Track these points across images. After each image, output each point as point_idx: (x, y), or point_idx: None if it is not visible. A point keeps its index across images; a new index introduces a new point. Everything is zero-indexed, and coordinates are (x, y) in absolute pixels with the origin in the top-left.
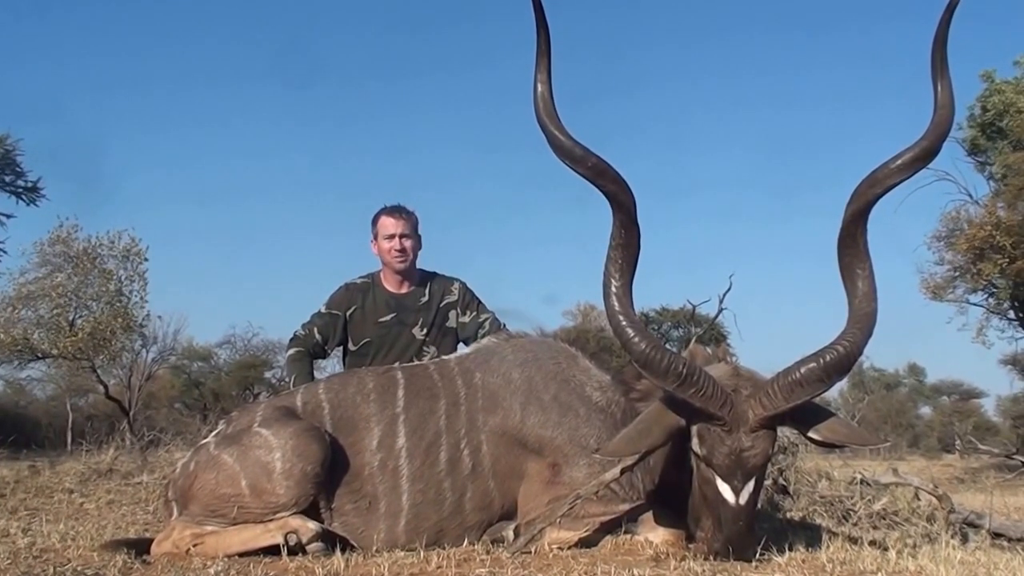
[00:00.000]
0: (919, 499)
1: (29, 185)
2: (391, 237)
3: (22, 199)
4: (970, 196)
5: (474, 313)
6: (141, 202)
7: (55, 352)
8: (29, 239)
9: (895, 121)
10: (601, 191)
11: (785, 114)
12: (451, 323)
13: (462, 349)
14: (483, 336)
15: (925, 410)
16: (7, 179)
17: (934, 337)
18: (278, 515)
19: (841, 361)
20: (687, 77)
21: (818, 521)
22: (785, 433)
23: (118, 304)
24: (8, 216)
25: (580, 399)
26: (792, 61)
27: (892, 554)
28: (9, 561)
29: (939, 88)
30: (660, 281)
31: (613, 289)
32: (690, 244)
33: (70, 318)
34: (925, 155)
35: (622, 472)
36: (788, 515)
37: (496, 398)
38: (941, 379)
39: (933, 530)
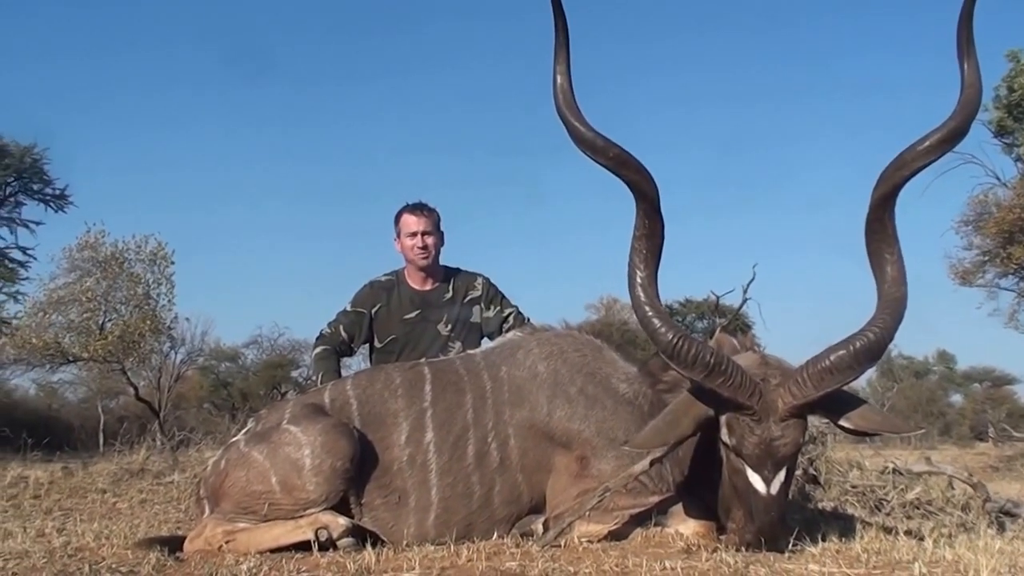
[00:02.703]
0: (953, 488)
1: (57, 192)
2: (413, 235)
3: (51, 206)
4: (998, 179)
5: (498, 307)
6: (163, 204)
7: (86, 355)
8: (58, 245)
9: (916, 108)
10: (624, 181)
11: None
12: (475, 318)
13: (487, 344)
14: (508, 330)
15: (956, 398)
16: (35, 187)
17: (964, 323)
18: (308, 511)
19: (871, 347)
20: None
21: (850, 511)
22: (814, 422)
23: (146, 307)
24: (38, 223)
25: (607, 391)
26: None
27: (928, 544)
28: (45, 560)
29: (966, 67)
30: (682, 273)
31: (638, 280)
32: (712, 235)
33: (100, 322)
34: (953, 136)
35: (651, 464)
36: (820, 505)
37: (522, 392)
38: (972, 366)
39: (969, 519)
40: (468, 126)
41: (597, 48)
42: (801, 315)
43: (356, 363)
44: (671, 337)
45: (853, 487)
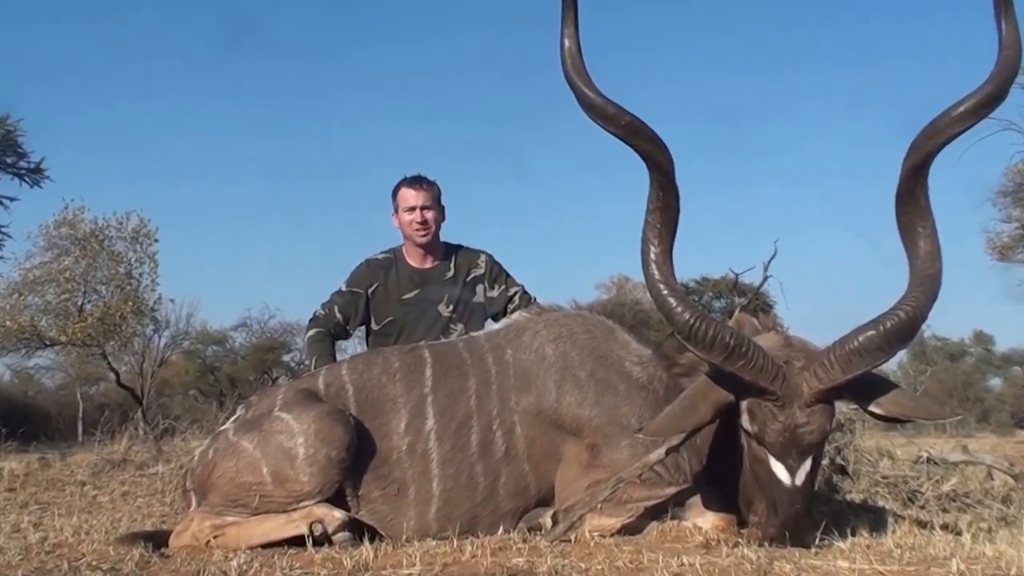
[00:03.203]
0: (992, 479)
1: (32, 166)
2: (412, 209)
3: (25, 181)
4: None
5: (502, 286)
6: (146, 179)
7: (63, 339)
8: (34, 222)
9: (950, 72)
10: (636, 151)
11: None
12: (478, 298)
13: (491, 325)
14: (513, 311)
15: (995, 382)
16: (9, 161)
17: (1002, 301)
18: (302, 504)
19: (903, 327)
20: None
21: (881, 503)
22: (842, 408)
23: (128, 288)
24: (12, 199)
25: (619, 375)
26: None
27: (966, 539)
28: (21, 557)
29: (1004, 27)
30: (699, 249)
31: (652, 256)
32: (732, 208)
33: (78, 303)
34: (990, 100)
35: (667, 453)
36: (848, 497)
37: (529, 376)
38: (1012, 347)
39: (1010, 513)
40: (461, 95)
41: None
42: (826, 294)
43: (352, 346)
44: (688, 317)
45: (884, 478)
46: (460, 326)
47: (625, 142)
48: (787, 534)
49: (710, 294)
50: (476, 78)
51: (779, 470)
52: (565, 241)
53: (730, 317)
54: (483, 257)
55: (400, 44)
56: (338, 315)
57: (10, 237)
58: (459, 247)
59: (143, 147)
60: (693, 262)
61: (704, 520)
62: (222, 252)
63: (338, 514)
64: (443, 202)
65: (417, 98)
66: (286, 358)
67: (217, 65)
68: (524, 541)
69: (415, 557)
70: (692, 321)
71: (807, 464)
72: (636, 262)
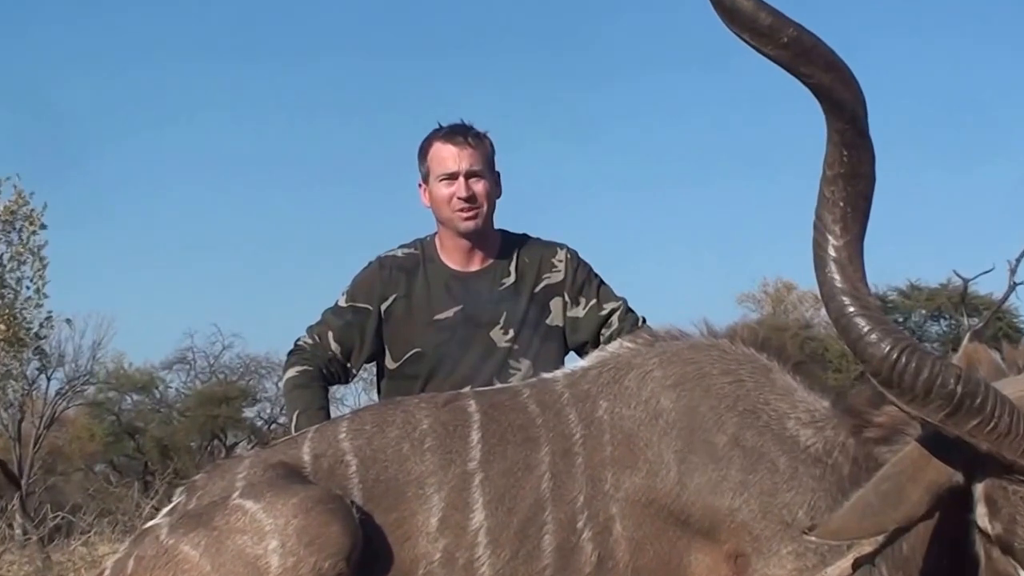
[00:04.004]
0: None
1: None
2: (451, 178)
3: None
4: None
5: (592, 300)
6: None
7: None
8: None
9: None
10: (806, 84)
11: None
12: (554, 319)
13: (575, 361)
14: (610, 338)
15: None
16: None
17: None
18: None
19: None
20: None
21: None
22: None
23: None
24: None
25: (779, 442)
26: None
27: None
28: None
29: None
30: (902, 243)
31: (831, 252)
32: (951, 184)
33: None
34: None
35: (855, 567)
36: None
37: (635, 443)
38: None
39: None
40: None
41: None
42: None
43: (354, 394)
44: (888, 349)
45: None
46: (525, 363)
47: (789, 69)
48: None
49: (923, 312)
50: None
51: None
52: (681, 230)
53: (956, 349)
54: (563, 254)
55: None
56: (333, 346)
57: None
58: (524, 239)
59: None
60: (890, 261)
61: None
62: (148, 248)
63: None
64: (498, 167)
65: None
66: (249, 413)
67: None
68: None
69: None
70: (895, 356)
71: None
72: (805, 261)
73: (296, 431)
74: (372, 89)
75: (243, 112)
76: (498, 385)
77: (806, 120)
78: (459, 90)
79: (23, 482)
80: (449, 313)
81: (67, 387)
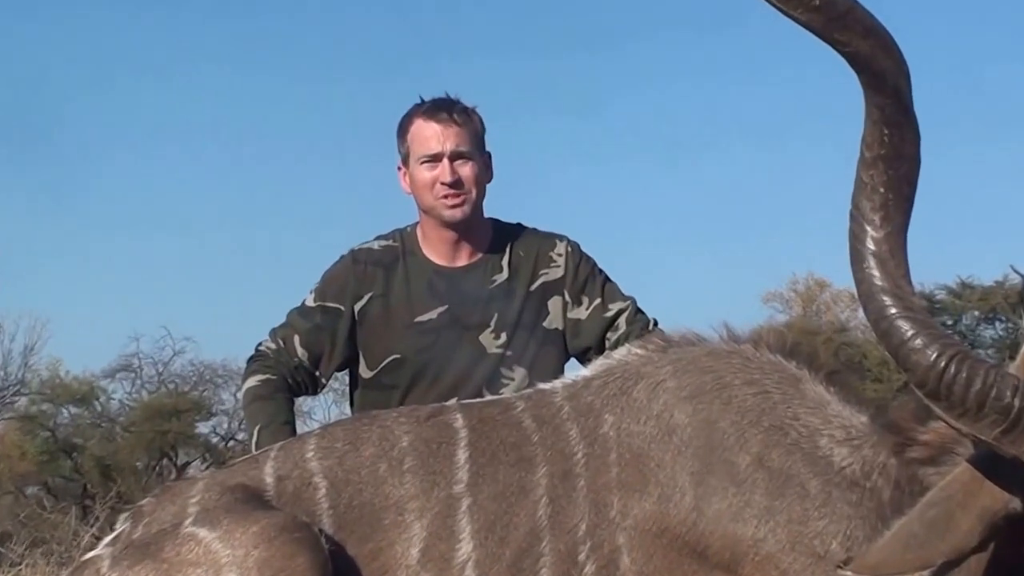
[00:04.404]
0: None
1: None
2: (434, 160)
3: None
4: None
5: (597, 300)
6: None
7: None
8: None
9: None
10: (841, 53)
11: None
12: (553, 321)
13: (577, 370)
14: (617, 343)
15: None
16: None
17: None
18: None
19: None
20: None
21: None
22: None
23: None
24: None
25: (810, 462)
26: None
27: None
28: None
29: None
30: (949, 236)
31: (870, 245)
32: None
33: None
34: None
35: None
36: None
37: (646, 464)
38: None
39: None
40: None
41: None
42: None
43: (322, 406)
44: (935, 356)
45: None
46: (520, 371)
47: (821, 36)
48: None
49: (975, 313)
50: None
51: None
52: (698, 219)
53: (1013, 356)
54: (562, 247)
55: None
56: (300, 351)
57: None
58: (518, 229)
59: None
60: (938, 254)
61: None
62: (87, 240)
63: None
64: (488, 147)
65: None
66: (203, 428)
67: None
68: None
69: None
70: (943, 364)
71: None
72: (841, 255)
73: (257, 449)
74: (340, 56)
75: (189, 81)
76: (488, 397)
77: (841, 95)
78: (441, 57)
79: None
80: (432, 314)
81: None
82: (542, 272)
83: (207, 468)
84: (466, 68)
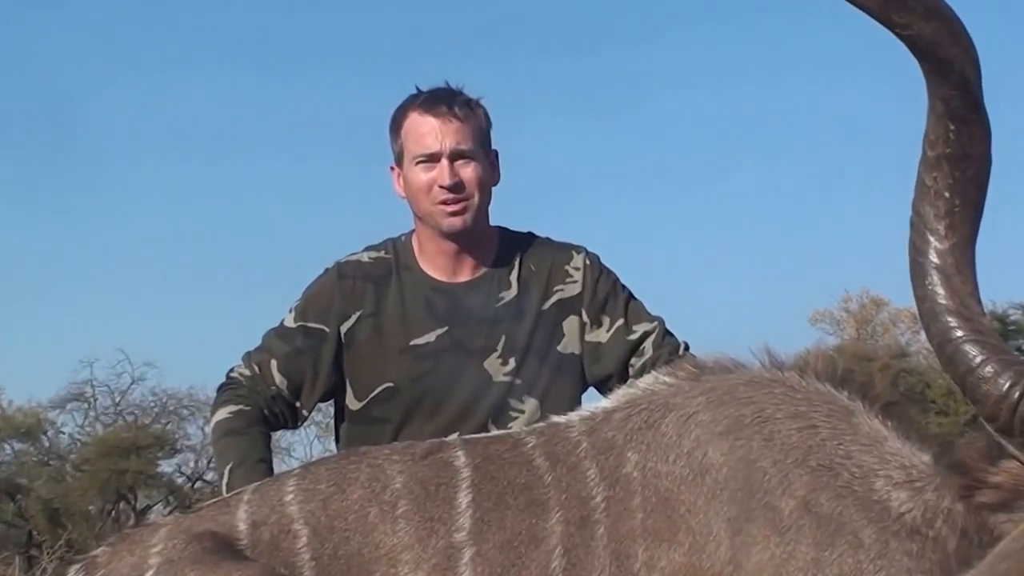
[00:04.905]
0: None
1: None
2: (431, 160)
3: None
4: None
5: (620, 320)
6: None
7: None
8: None
9: None
10: (901, 37)
11: None
12: (569, 344)
13: (595, 401)
14: (642, 370)
15: None
16: None
17: None
18: None
19: None
20: None
21: None
22: None
23: None
24: None
25: (863, 508)
26: None
27: None
28: None
29: None
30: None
31: (934, 258)
32: None
33: None
34: None
35: None
36: None
37: (675, 509)
38: None
39: None
40: None
41: None
42: None
43: (303, 443)
44: (1007, 386)
45: None
46: (531, 402)
47: (879, 19)
48: None
49: None
50: None
51: None
52: (735, 229)
53: None
54: (579, 260)
55: None
56: (278, 379)
57: None
58: (529, 239)
59: None
60: (1011, 269)
61: None
62: (33, 253)
63: None
64: (495, 145)
65: None
66: (166, 466)
67: None
68: None
69: None
70: (1017, 395)
71: None
72: (899, 269)
73: (229, 491)
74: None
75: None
76: (495, 432)
77: (901, 86)
78: (445, 53)
79: None
80: (430, 337)
81: None
82: (556, 288)
83: (171, 513)
84: (483, 63)
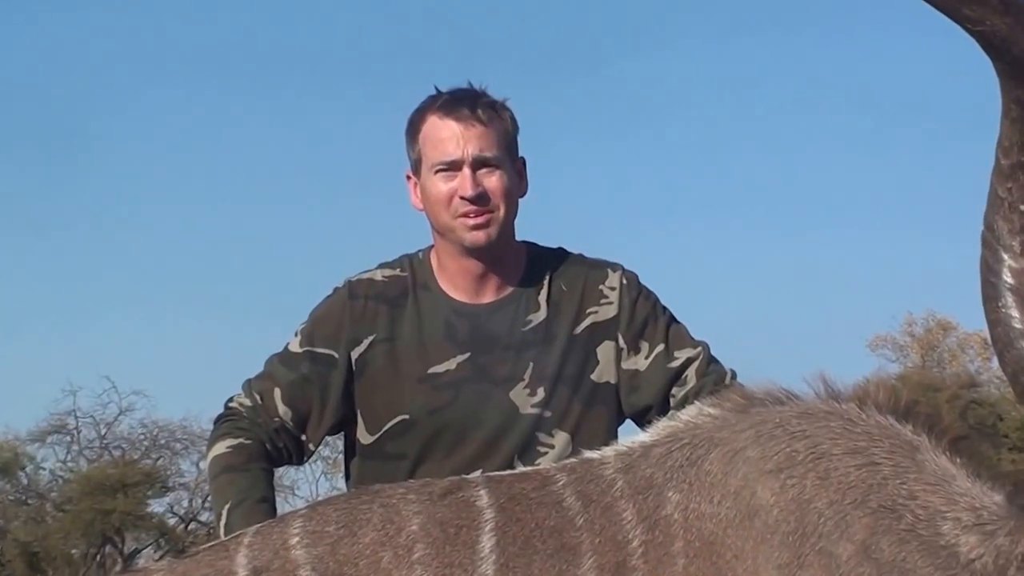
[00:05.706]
0: None
1: None
2: (452, 168)
3: None
4: None
5: (660, 346)
6: None
7: None
8: None
9: None
10: (972, 33)
11: None
12: (603, 372)
13: (633, 435)
14: (685, 401)
15: None
16: None
17: None
18: None
19: None
20: None
21: None
22: None
23: None
24: None
25: (929, 553)
26: None
27: None
28: None
29: None
30: None
31: (1008, 277)
32: None
33: None
34: None
35: None
36: None
37: (721, 554)
38: None
39: None
40: None
41: None
42: None
43: (308, 480)
44: None
45: None
46: (561, 436)
47: (947, 13)
48: None
49: None
50: None
51: None
52: (789, 247)
53: None
54: (615, 279)
55: None
56: (282, 409)
57: None
58: (560, 256)
59: None
60: None
61: None
62: (13, 275)
63: None
64: (522, 152)
65: None
66: (157, 506)
67: None
68: None
69: None
70: None
71: None
72: (970, 290)
73: (227, 533)
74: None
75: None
76: (521, 469)
77: (976, 85)
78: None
79: None
80: (451, 364)
81: None
82: (590, 311)
83: (162, 557)
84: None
